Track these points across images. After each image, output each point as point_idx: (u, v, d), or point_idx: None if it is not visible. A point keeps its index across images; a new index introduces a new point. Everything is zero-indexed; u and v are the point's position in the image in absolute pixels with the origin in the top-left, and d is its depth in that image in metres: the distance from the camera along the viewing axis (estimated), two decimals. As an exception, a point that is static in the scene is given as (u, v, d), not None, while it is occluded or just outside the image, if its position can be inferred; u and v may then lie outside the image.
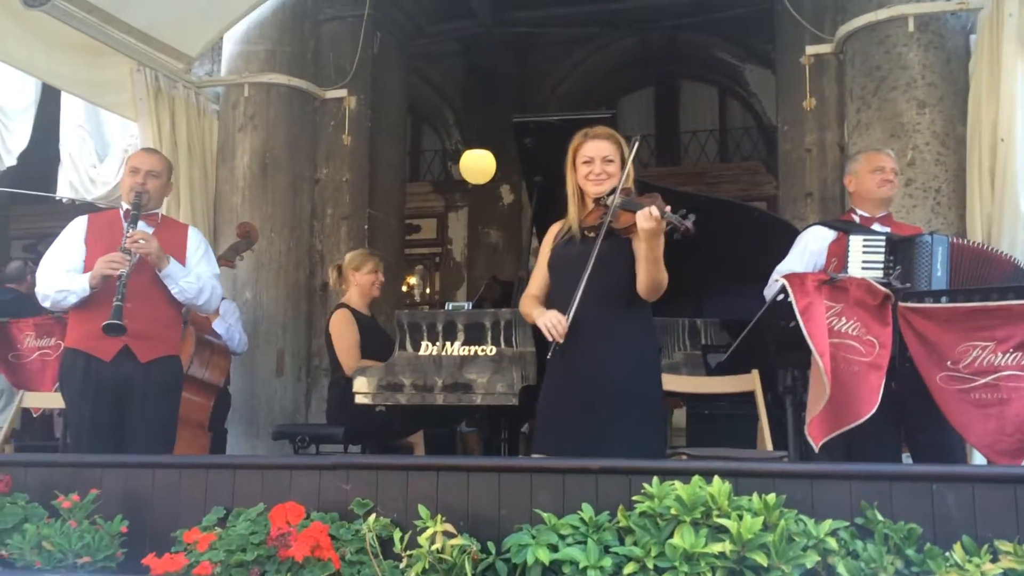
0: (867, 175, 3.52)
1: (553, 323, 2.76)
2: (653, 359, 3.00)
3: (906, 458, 3.31)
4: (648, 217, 2.63)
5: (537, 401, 3.06)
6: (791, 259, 3.45)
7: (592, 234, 2.86)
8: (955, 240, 3.32)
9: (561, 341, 2.76)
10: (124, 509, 2.62)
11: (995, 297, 2.83)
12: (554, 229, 3.08)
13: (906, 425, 3.19)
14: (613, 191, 2.85)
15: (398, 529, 2.37)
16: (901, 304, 2.92)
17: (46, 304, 3.56)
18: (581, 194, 2.97)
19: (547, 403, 2.96)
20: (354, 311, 4.46)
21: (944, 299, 2.93)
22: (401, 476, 2.48)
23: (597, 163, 2.90)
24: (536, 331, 2.99)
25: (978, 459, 3.23)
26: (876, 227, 3.46)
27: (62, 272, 3.44)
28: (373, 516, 2.40)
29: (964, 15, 4.64)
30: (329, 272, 4.79)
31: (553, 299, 2.93)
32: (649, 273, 2.75)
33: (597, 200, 2.90)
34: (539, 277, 3.05)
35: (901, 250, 3.23)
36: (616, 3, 8.37)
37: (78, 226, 3.57)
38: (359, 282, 4.51)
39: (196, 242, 3.67)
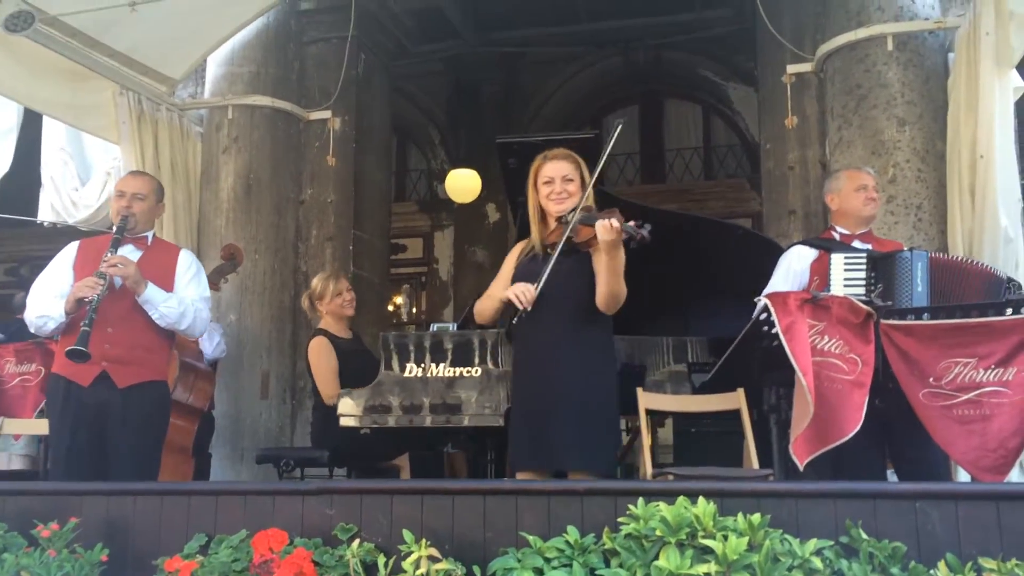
0: (851, 193, 3.55)
1: (521, 290, 2.85)
2: (610, 373, 3.08)
3: (891, 475, 3.31)
4: (607, 229, 2.74)
5: None
6: (775, 281, 3.48)
7: (553, 251, 2.95)
8: (934, 255, 3.34)
9: (529, 308, 2.84)
10: (104, 537, 2.59)
11: (975, 314, 2.85)
12: (517, 248, 3.20)
13: (891, 442, 3.19)
14: (575, 209, 2.94)
15: (382, 554, 2.35)
16: (883, 321, 2.93)
17: (32, 330, 3.56)
18: (543, 214, 3.08)
19: (513, 416, 3.09)
20: (331, 336, 4.41)
21: (926, 316, 2.94)
22: (385, 500, 2.46)
23: (557, 182, 3.02)
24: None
25: (963, 476, 3.24)
26: (857, 244, 3.49)
27: (50, 297, 3.43)
28: (357, 541, 2.38)
29: (942, 34, 4.69)
30: (302, 302, 4.73)
31: (511, 313, 3.00)
32: (609, 284, 2.85)
33: (559, 218, 3.00)
34: (499, 286, 3.13)
35: (882, 267, 3.25)
36: (601, 22, 8.42)
37: (68, 252, 3.57)
38: (328, 310, 4.48)
39: (186, 264, 3.64)
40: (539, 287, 2.84)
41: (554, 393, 2.91)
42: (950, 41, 4.65)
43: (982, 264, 3.45)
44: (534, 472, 2.93)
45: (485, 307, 3.17)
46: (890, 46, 4.63)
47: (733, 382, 3.59)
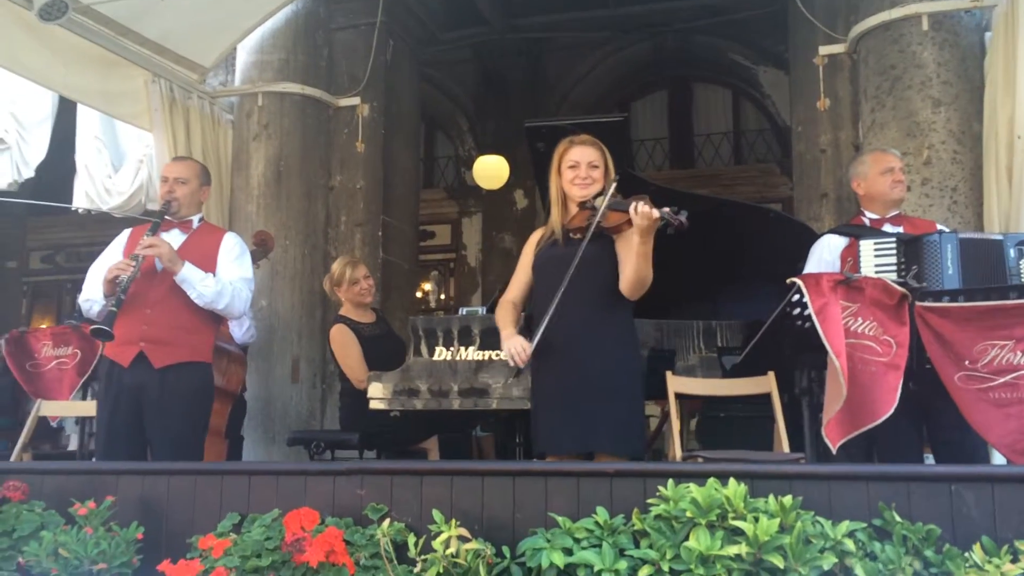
0: (877, 177, 3.50)
1: (517, 351, 2.87)
2: (635, 357, 3.07)
3: (928, 458, 3.27)
4: (646, 215, 2.72)
5: None
6: (808, 271, 3.43)
7: (578, 235, 2.94)
8: (963, 236, 3.28)
9: (523, 368, 2.87)
10: (140, 516, 2.63)
11: (1013, 296, 2.80)
12: (535, 235, 3.17)
13: (928, 425, 3.16)
14: (599, 194, 2.93)
15: (412, 534, 2.37)
16: (918, 303, 2.89)
17: (84, 313, 3.68)
18: (564, 200, 3.05)
19: (536, 401, 3.07)
20: (351, 322, 4.42)
21: (961, 298, 2.90)
22: (415, 481, 2.47)
23: (583, 167, 3.00)
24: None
25: (999, 459, 3.19)
26: (888, 228, 3.44)
27: (97, 282, 3.50)
28: (387, 521, 2.40)
29: (979, 12, 4.60)
30: (324, 283, 4.75)
31: (537, 301, 3.01)
32: (638, 269, 2.82)
33: (583, 204, 2.98)
34: (518, 282, 3.13)
35: (911, 251, 3.21)
36: (628, 7, 8.35)
37: (121, 238, 3.67)
38: (345, 296, 4.49)
39: (229, 245, 3.68)
40: (536, 341, 2.83)
41: (579, 377, 2.90)
42: (987, 20, 4.56)
43: (986, 235, 3.39)
44: (561, 455, 2.93)
45: (500, 322, 3.11)
46: (925, 26, 4.55)
47: (764, 365, 3.56)
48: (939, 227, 3.51)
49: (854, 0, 5.08)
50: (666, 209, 2.74)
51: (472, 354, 3.90)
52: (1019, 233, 3.55)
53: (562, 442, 2.93)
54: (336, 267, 4.55)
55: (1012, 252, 3.17)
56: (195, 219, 3.68)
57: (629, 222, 2.78)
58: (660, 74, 9.74)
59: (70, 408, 4.39)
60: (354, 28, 6.25)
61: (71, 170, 5.77)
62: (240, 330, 4.76)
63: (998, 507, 2.13)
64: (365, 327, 4.46)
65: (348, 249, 5.98)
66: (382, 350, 4.33)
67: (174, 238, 3.54)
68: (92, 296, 3.50)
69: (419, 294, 9.22)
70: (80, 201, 5.65)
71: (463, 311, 4.53)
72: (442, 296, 10.12)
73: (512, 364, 2.87)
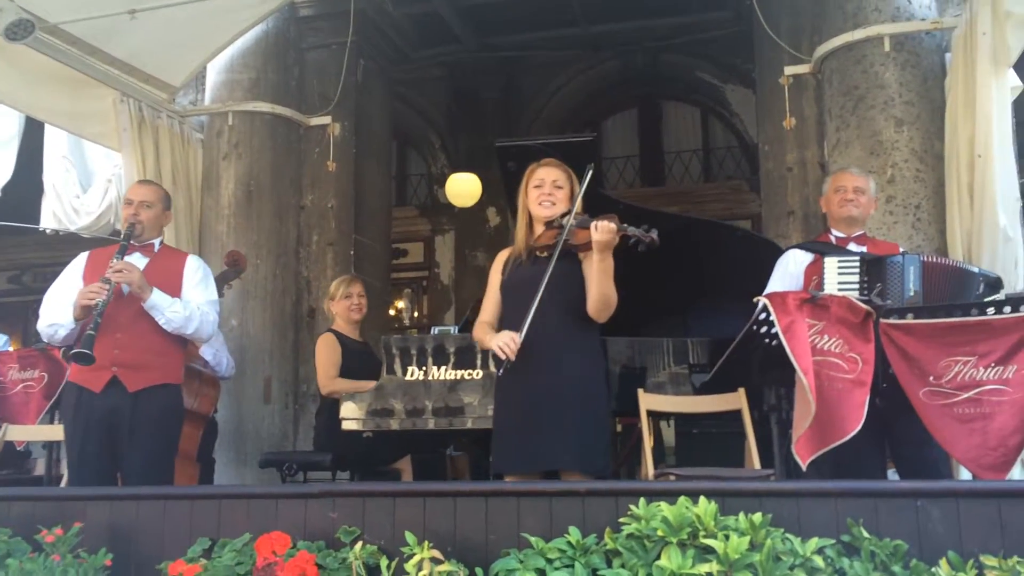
0: (831, 195, 3.62)
1: (505, 342, 2.84)
2: (601, 375, 3.07)
3: (892, 474, 3.32)
4: (605, 228, 2.76)
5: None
6: (772, 284, 3.50)
7: (545, 254, 2.97)
8: (927, 259, 3.35)
9: (513, 359, 2.83)
10: (108, 542, 2.60)
11: (975, 312, 2.85)
12: (502, 257, 3.19)
13: (891, 441, 3.20)
14: (566, 213, 2.96)
15: (385, 557, 2.36)
16: (882, 320, 2.94)
17: (44, 339, 3.59)
18: (530, 221, 3.09)
19: (499, 419, 3.05)
20: (339, 335, 4.51)
21: (925, 314, 2.95)
22: (388, 503, 2.47)
23: (547, 185, 3.05)
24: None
25: (965, 474, 3.24)
26: (852, 247, 3.50)
27: (60, 306, 3.46)
28: (360, 544, 2.39)
29: (939, 34, 4.70)
30: (324, 304, 4.88)
31: (506, 322, 3.01)
32: (600, 286, 2.85)
33: (550, 223, 3.01)
34: (490, 304, 3.13)
35: (874, 270, 3.27)
36: (598, 26, 8.44)
37: (79, 261, 3.61)
38: (337, 310, 4.61)
39: (193, 269, 3.66)
40: (523, 334, 2.83)
41: (546, 395, 2.89)
42: (947, 41, 4.67)
43: (959, 263, 3.47)
44: (522, 474, 2.91)
45: (479, 341, 3.13)
46: (887, 47, 4.65)
47: (734, 382, 3.60)
48: (901, 249, 3.58)
49: (817, 21, 5.18)
50: (634, 228, 2.77)
51: (446, 373, 3.91)
52: (990, 271, 3.61)
53: (526, 460, 2.90)
54: (334, 283, 4.73)
55: (982, 288, 3.26)
56: (156, 242, 3.67)
57: None
58: (630, 92, 9.84)
59: (37, 432, 4.32)
60: (325, 47, 6.26)
61: (38, 190, 5.72)
62: (221, 368, 4.74)
63: (963, 522, 2.17)
64: (352, 341, 4.55)
65: (320, 269, 5.97)
66: (364, 367, 4.36)
67: (137, 261, 3.51)
68: (57, 320, 3.44)
69: (392, 312, 9.19)
70: (48, 221, 5.59)
71: (435, 330, 4.55)
72: (415, 314, 10.10)
73: (503, 357, 2.84)
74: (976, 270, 3.43)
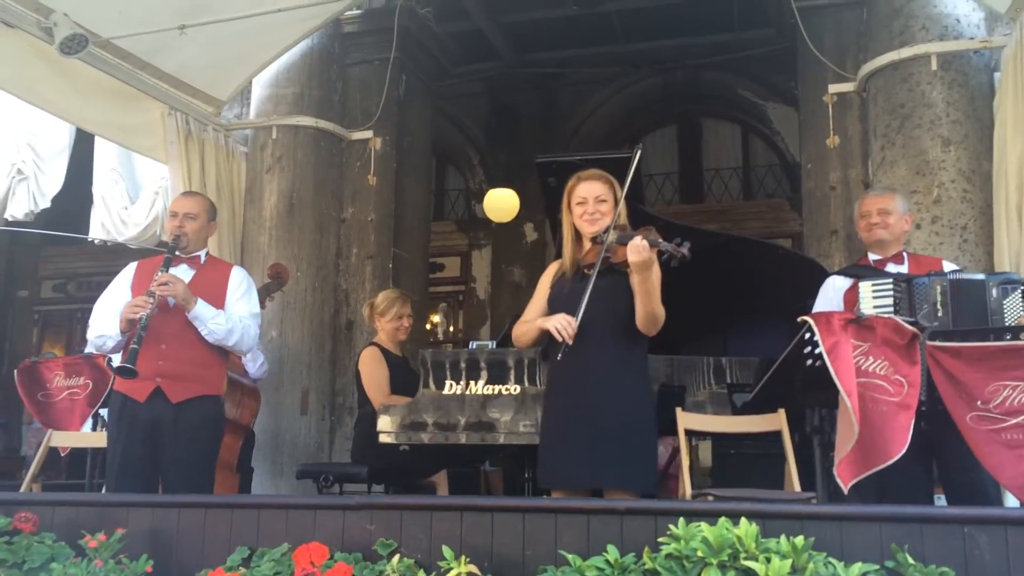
0: (859, 221, 3.63)
1: (563, 324, 2.83)
2: (647, 393, 3.06)
3: (940, 499, 3.25)
4: (636, 249, 2.73)
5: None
6: (817, 310, 3.45)
7: (590, 271, 2.94)
8: (955, 278, 3.29)
9: (571, 342, 2.81)
10: (149, 548, 2.63)
11: (1024, 336, 2.79)
12: (551, 269, 3.18)
13: (939, 465, 3.14)
14: (608, 228, 2.94)
15: (422, 570, 2.36)
16: (929, 343, 2.89)
17: (93, 349, 3.66)
18: (578, 235, 3.08)
19: (546, 434, 3.04)
20: (384, 350, 4.51)
21: (973, 337, 2.89)
22: (425, 516, 2.47)
23: (590, 203, 3.01)
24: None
25: (1011, 500, 3.16)
26: (890, 267, 3.46)
27: (108, 317, 3.51)
28: (397, 557, 2.39)
29: (987, 53, 4.64)
30: (364, 309, 4.85)
31: (550, 337, 2.96)
32: (644, 305, 2.84)
33: (594, 239, 3.00)
34: (534, 309, 3.12)
35: (905, 290, 3.24)
36: (638, 44, 8.45)
37: (127, 272, 3.67)
38: (383, 327, 4.59)
39: (238, 281, 3.70)
40: (579, 318, 2.82)
41: (592, 412, 2.89)
42: (996, 60, 4.60)
43: (961, 275, 3.40)
44: (568, 491, 2.91)
45: (523, 333, 3.11)
46: (934, 65, 4.59)
47: (774, 403, 3.55)
48: (945, 264, 3.52)
49: (863, 39, 5.14)
50: (667, 242, 2.74)
51: (480, 388, 3.91)
52: (1002, 273, 3.55)
53: (571, 477, 2.90)
54: (383, 297, 4.64)
55: (995, 292, 3.19)
56: (202, 254, 3.71)
57: None
58: (669, 109, 9.82)
59: (81, 439, 4.40)
60: (368, 63, 6.35)
61: (85, 200, 5.84)
62: (254, 366, 4.79)
63: (1012, 550, 2.11)
64: (395, 357, 4.56)
65: (359, 281, 6.02)
66: (406, 383, 4.37)
67: (182, 273, 3.56)
68: (105, 332, 3.50)
69: (428, 326, 9.23)
70: (96, 232, 5.71)
71: (473, 345, 4.55)
72: (450, 328, 10.14)
73: (560, 339, 2.82)
74: (982, 277, 3.35)
